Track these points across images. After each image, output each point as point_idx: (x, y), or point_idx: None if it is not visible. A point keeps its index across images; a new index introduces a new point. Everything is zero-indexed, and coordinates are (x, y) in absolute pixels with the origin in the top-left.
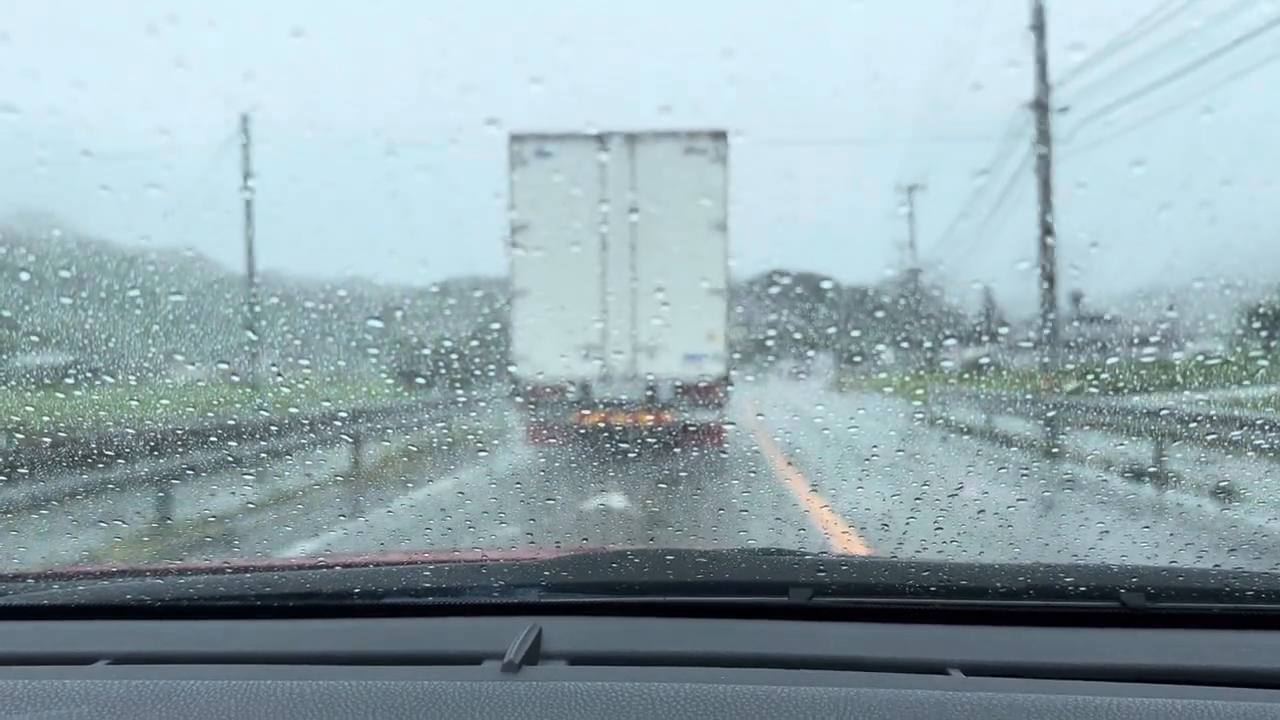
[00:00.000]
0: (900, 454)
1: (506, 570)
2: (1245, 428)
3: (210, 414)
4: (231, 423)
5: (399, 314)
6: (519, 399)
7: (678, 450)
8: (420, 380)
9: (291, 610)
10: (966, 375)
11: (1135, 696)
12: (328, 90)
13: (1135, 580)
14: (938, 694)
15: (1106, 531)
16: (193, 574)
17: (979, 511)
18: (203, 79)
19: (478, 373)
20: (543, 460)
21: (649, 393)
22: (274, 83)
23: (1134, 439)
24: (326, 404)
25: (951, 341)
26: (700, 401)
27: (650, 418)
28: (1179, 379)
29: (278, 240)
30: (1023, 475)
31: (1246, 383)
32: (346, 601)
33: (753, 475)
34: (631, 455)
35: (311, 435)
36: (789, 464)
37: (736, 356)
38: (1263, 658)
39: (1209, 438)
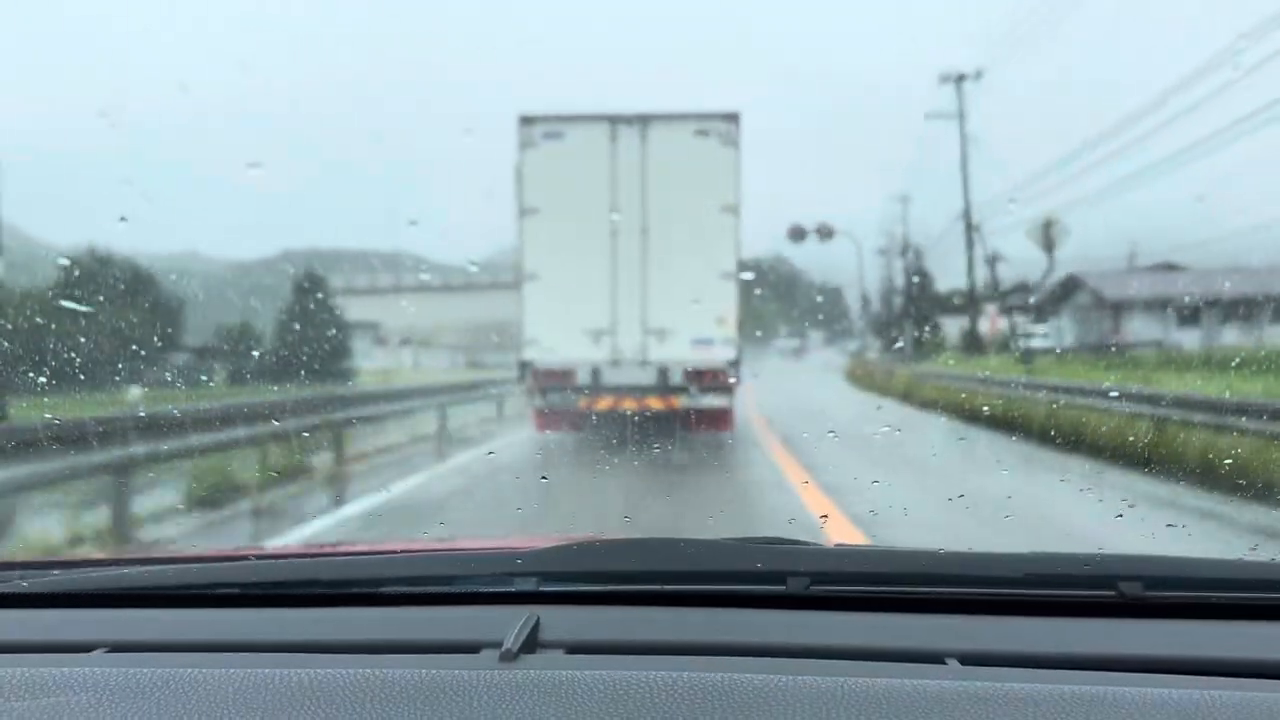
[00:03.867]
0: (897, 441)
1: (505, 559)
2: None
3: None
4: None
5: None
6: (528, 383)
7: (685, 435)
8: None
9: (289, 599)
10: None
11: (1132, 686)
12: (333, 77)
13: (1133, 569)
14: (935, 683)
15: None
16: (191, 562)
17: (978, 500)
18: (203, 69)
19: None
20: (551, 445)
21: (658, 377)
22: (274, 63)
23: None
24: None
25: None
26: (710, 386)
27: (659, 402)
28: None
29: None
30: (1026, 462)
31: None
32: (344, 590)
33: (752, 463)
34: (638, 440)
35: None
36: (789, 453)
37: (757, 334)
38: (1261, 648)
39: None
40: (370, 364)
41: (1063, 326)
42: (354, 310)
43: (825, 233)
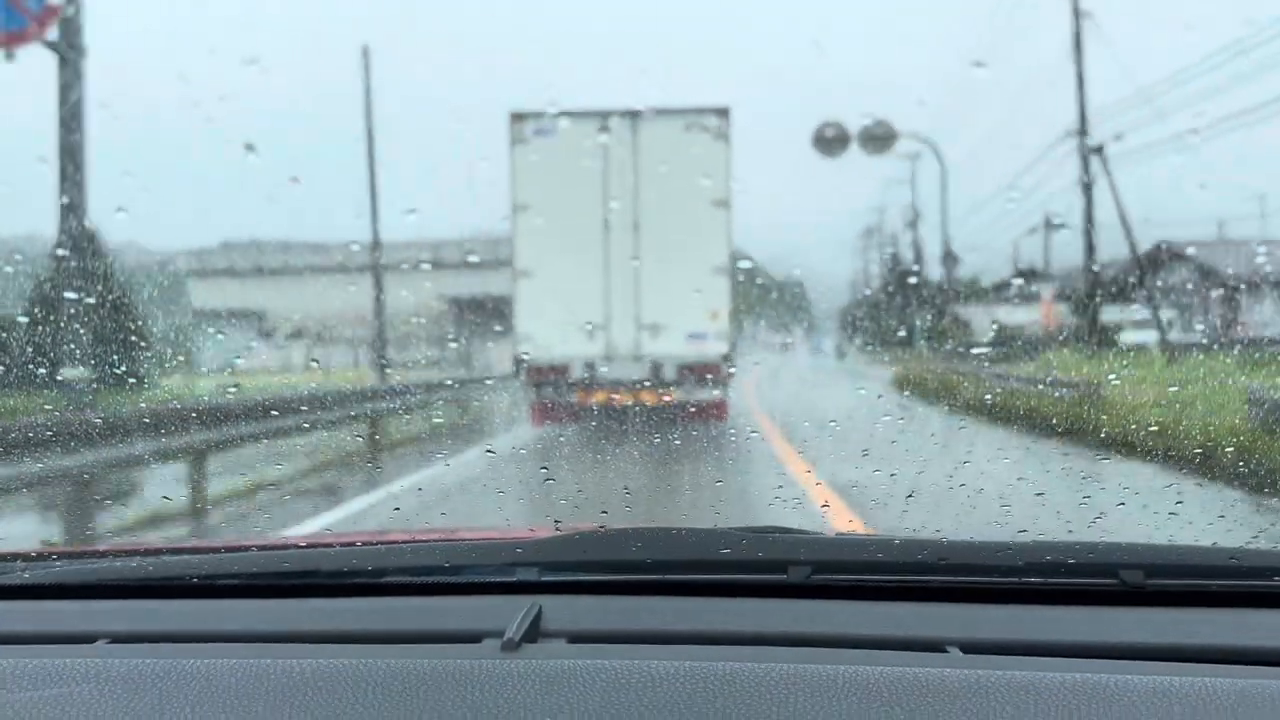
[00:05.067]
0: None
1: (506, 549)
2: None
3: None
4: None
5: None
6: (522, 378)
7: (681, 428)
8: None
9: (291, 589)
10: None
11: (1133, 674)
12: (330, 72)
13: (1134, 557)
14: (936, 671)
15: (1103, 514)
16: (192, 553)
17: (979, 490)
18: (205, 62)
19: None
20: (546, 439)
21: (652, 372)
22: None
23: None
24: None
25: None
26: (703, 380)
27: (653, 396)
28: None
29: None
30: (1026, 451)
31: None
32: (346, 580)
33: (751, 455)
34: (633, 434)
35: None
36: (790, 444)
37: (760, 325)
38: (1261, 635)
39: None
40: (247, 362)
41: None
42: (235, 297)
43: (879, 137)
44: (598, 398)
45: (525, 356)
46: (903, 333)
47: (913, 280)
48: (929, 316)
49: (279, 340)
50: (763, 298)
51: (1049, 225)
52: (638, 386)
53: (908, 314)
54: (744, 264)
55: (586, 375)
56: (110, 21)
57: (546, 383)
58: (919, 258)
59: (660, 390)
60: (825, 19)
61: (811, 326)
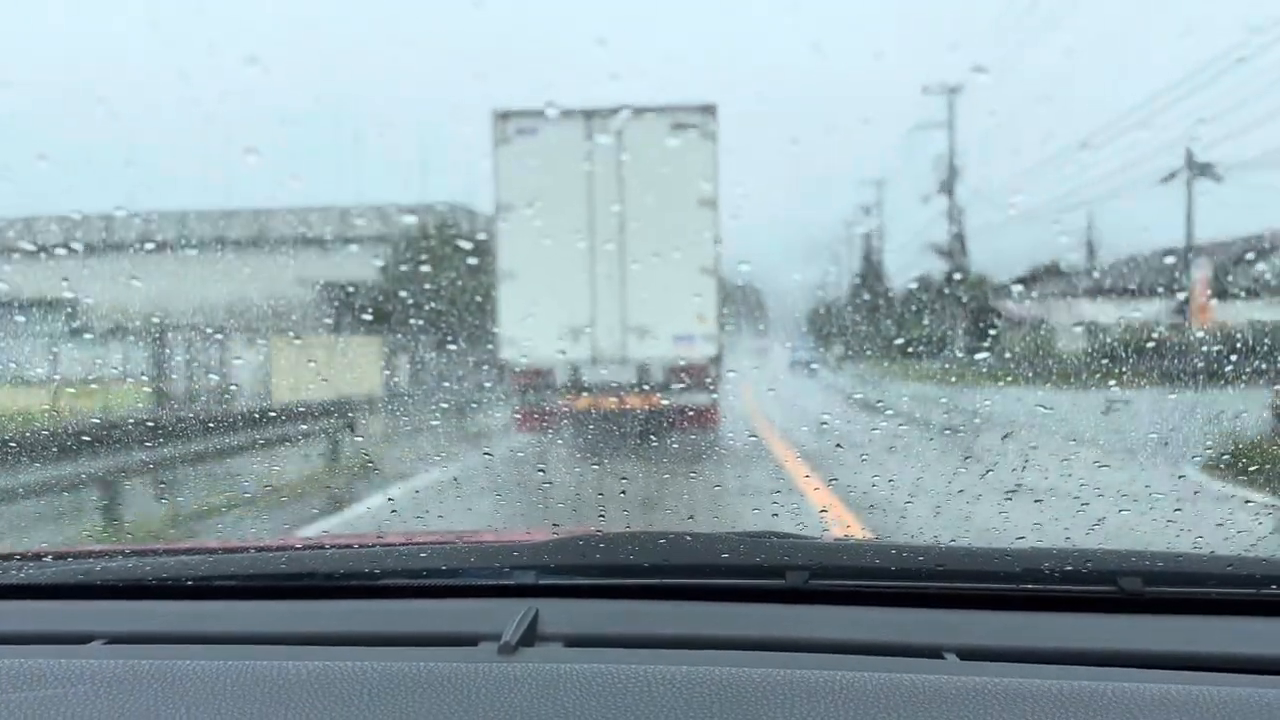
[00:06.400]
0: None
1: (503, 552)
2: None
3: None
4: None
5: None
6: (507, 383)
7: (671, 433)
8: None
9: (288, 591)
10: None
11: (1131, 681)
12: (323, 67)
13: (1132, 565)
14: (933, 677)
15: (1104, 518)
16: (189, 554)
17: (977, 496)
18: (200, 59)
19: None
20: (535, 445)
21: (639, 375)
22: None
23: None
24: None
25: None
26: (691, 383)
27: (640, 400)
28: None
29: None
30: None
31: None
32: (343, 582)
33: (750, 460)
34: (624, 438)
35: None
36: (786, 445)
37: (759, 328)
38: (1259, 643)
39: None
40: (43, 368)
41: None
42: (38, 280)
43: None
44: (584, 402)
45: (509, 360)
46: (899, 338)
47: (950, 269)
48: (985, 313)
49: (95, 338)
50: (761, 303)
51: (1195, 168)
52: (624, 390)
53: (946, 313)
54: (744, 267)
55: (572, 379)
56: None
57: (530, 386)
58: (960, 235)
59: (647, 394)
60: (821, 16)
61: (820, 336)
